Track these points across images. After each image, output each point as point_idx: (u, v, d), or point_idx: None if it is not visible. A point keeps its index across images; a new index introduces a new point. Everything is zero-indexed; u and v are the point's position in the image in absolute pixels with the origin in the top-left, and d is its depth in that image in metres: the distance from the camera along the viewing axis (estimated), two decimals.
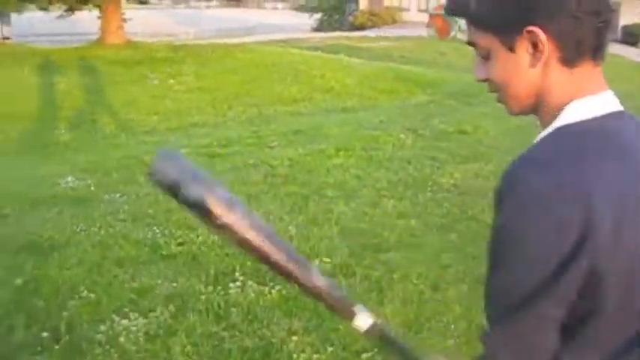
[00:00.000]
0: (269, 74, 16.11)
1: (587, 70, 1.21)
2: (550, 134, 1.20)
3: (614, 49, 29.87)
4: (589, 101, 1.21)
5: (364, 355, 3.33)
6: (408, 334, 3.55)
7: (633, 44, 36.01)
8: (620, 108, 1.22)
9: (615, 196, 1.10)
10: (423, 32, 30.97)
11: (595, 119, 1.19)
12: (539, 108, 1.24)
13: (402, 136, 9.01)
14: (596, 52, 1.20)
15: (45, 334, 3.60)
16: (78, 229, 5.33)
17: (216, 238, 4.99)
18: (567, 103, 1.21)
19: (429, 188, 6.33)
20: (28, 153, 9.68)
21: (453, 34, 30.30)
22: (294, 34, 31.39)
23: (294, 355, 3.33)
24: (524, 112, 1.29)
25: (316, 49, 21.45)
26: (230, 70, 16.65)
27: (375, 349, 3.39)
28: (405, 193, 6.18)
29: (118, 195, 6.38)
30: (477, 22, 1.24)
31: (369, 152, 8.05)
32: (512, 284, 1.10)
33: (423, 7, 42.86)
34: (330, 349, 3.38)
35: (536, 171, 1.11)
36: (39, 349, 3.48)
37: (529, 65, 1.20)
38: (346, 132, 9.64)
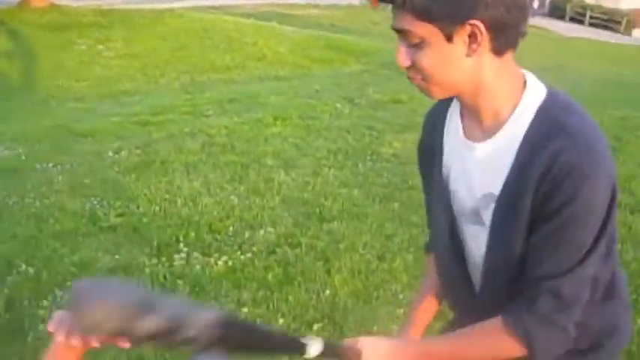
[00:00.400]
0: (200, 41, 15.83)
1: (510, 57, 1.37)
2: (541, 112, 1.37)
3: (543, 23, 30.48)
4: (534, 81, 1.41)
5: (316, 326, 3.33)
6: (357, 304, 3.56)
7: (561, 18, 36.82)
8: None
9: None
10: (355, 0, 30.94)
11: (553, 93, 1.40)
12: (479, 100, 1.39)
13: (338, 105, 8.99)
14: (517, 43, 1.36)
15: None
16: (11, 201, 5.15)
17: (157, 208, 4.91)
18: (518, 92, 1.38)
19: (369, 158, 6.34)
20: None
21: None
22: (225, 0, 30.92)
23: None
24: (445, 97, 1.44)
25: (249, 16, 21.19)
26: (160, 37, 16.29)
27: (327, 320, 3.40)
28: (346, 163, 6.18)
29: (50, 165, 6.19)
30: (418, 12, 1.30)
31: (307, 121, 8.01)
32: (588, 237, 1.34)
33: None
34: (281, 320, 3.36)
35: (593, 147, 1.33)
36: None
37: (465, 55, 1.32)
38: (282, 101, 9.56)
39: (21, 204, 5.08)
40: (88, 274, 3.88)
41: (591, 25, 36.04)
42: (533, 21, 29.94)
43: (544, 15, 36.49)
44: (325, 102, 9.21)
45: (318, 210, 4.92)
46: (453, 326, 1.64)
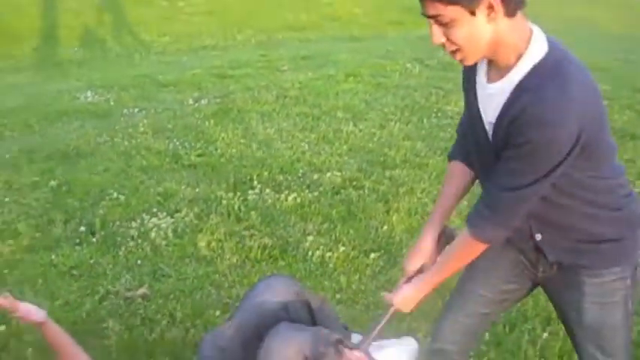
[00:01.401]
0: (277, 0, 16.18)
1: (519, 15, 1.70)
2: (536, 67, 1.71)
3: None
4: (538, 36, 1.73)
5: (372, 255, 3.69)
6: (411, 239, 3.91)
7: None
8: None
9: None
10: None
11: (552, 47, 1.72)
12: (497, 53, 1.73)
13: (408, 65, 9.23)
14: (525, 3, 1.69)
15: (82, 228, 3.96)
16: (101, 140, 5.65)
17: (234, 150, 5.33)
18: (523, 44, 1.71)
19: (434, 114, 6.61)
20: (43, 70, 9.92)
21: None
22: None
23: (310, 253, 3.69)
24: (477, 60, 1.79)
25: None
26: None
27: (382, 251, 3.76)
28: (411, 118, 6.47)
29: (136, 110, 6.68)
30: (445, 0, 1.62)
31: (377, 79, 8.30)
32: (540, 169, 1.74)
33: None
34: (342, 248, 3.74)
35: (561, 104, 1.65)
36: (77, 241, 3.84)
37: (486, 23, 1.65)
38: (354, 59, 9.85)
39: (111, 143, 5.57)
40: (172, 203, 4.34)
41: None
42: None
43: None
44: (396, 62, 9.45)
45: (382, 158, 5.26)
46: None
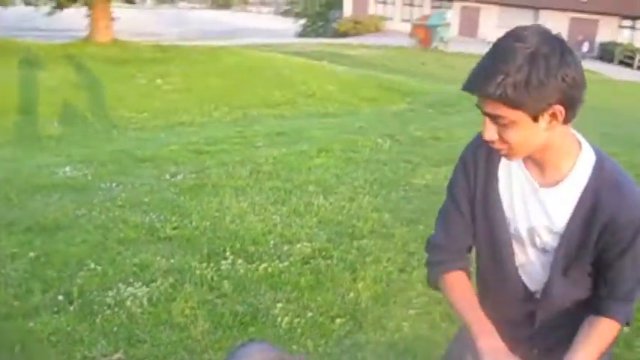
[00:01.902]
0: (253, 78, 16.64)
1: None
2: (596, 170, 1.78)
3: (593, 66, 30.72)
4: (584, 140, 1.80)
5: (338, 320, 3.88)
6: (376, 306, 4.11)
7: (609, 61, 36.89)
8: None
9: None
10: (405, 42, 31.57)
11: (600, 153, 1.80)
12: (544, 156, 1.74)
13: (379, 140, 9.57)
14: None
15: (60, 297, 4.11)
16: (80, 213, 5.82)
17: (208, 223, 5.53)
18: (576, 149, 1.77)
19: (402, 187, 6.90)
20: (23, 145, 10.15)
21: (434, 44, 31.01)
22: (279, 38, 31.95)
23: (279, 319, 3.87)
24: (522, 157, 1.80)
25: (300, 54, 22.00)
26: (215, 73, 17.17)
27: (348, 316, 3.95)
28: (380, 191, 6.74)
29: (114, 184, 6.88)
30: (511, 102, 1.61)
31: (348, 154, 8.60)
32: None
33: (406, 17, 43.64)
34: (309, 314, 3.93)
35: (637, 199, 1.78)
36: (55, 309, 3.99)
37: (545, 130, 1.68)
38: (327, 135, 10.18)
39: (89, 216, 5.76)
40: (147, 273, 4.51)
41: None
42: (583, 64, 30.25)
43: (594, 58, 36.77)
44: (368, 137, 9.79)
45: (350, 230, 5.49)
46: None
